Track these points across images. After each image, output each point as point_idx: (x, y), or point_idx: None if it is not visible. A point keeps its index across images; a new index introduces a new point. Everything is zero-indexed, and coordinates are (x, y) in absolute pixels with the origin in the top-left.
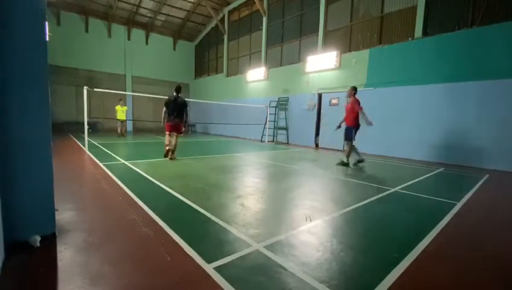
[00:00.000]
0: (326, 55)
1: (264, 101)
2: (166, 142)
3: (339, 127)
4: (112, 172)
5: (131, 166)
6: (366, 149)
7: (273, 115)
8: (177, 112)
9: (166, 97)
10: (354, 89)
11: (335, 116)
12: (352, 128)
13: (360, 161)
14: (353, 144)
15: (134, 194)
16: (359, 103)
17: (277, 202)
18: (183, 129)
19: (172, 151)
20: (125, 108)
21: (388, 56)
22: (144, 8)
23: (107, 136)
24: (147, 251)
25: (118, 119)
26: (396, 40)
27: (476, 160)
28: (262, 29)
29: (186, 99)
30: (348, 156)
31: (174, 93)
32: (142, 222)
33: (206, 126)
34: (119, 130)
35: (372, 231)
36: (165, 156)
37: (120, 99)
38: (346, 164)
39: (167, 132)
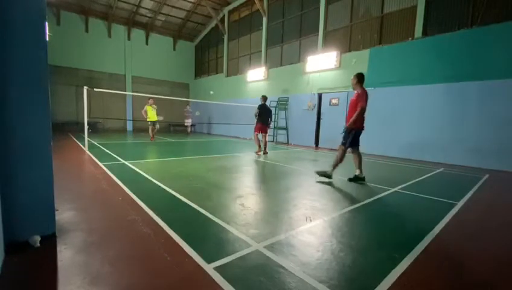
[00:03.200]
0: (326, 55)
1: None
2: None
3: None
4: (112, 172)
5: (132, 166)
6: (366, 149)
7: (273, 115)
8: (266, 116)
9: (167, 97)
10: (359, 77)
11: (335, 116)
12: (351, 130)
13: (358, 178)
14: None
15: (134, 194)
16: (366, 97)
17: (277, 202)
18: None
19: (265, 148)
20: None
21: (388, 56)
22: (144, 8)
23: (107, 136)
24: (147, 250)
25: (151, 121)
26: (396, 40)
27: (476, 160)
28: (262, 29)
29: (185, 99)
30: (335, 166)
31: (262, 102)
32: (142, 222)
33: (207, 126)
34: (150, 133)
35: (372, 231)
36: (258, 152)
37: (149, 99)
38: (329, 175)
39: (256, 132)
